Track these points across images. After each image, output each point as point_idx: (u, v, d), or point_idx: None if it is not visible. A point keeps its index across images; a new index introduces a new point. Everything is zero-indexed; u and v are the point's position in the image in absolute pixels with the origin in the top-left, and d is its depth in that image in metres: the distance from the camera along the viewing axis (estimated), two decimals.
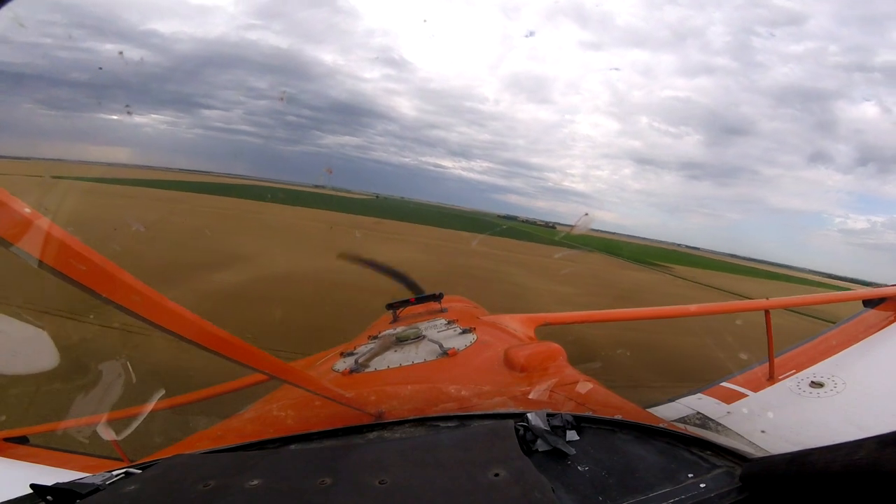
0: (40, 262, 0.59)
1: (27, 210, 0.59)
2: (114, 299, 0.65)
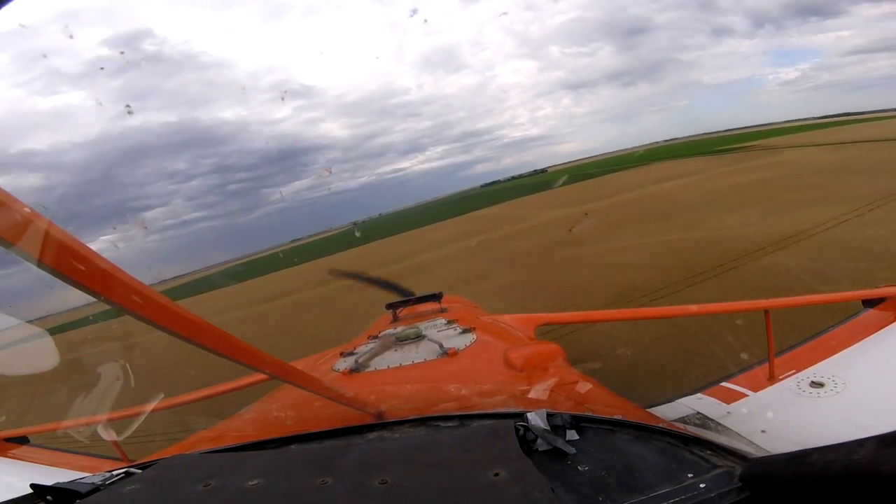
0: (40, 263, 0.59)
1: (27, 210, 0.59)
2: (114, 299, 0.65)
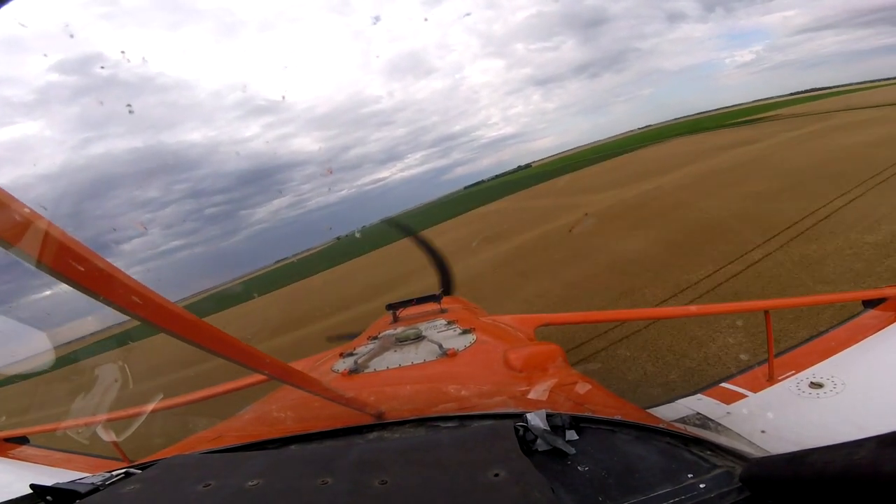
0: (39, 263, 0.59)
1: (27, 210, 0.59)
2: (114, 300, 0.65)
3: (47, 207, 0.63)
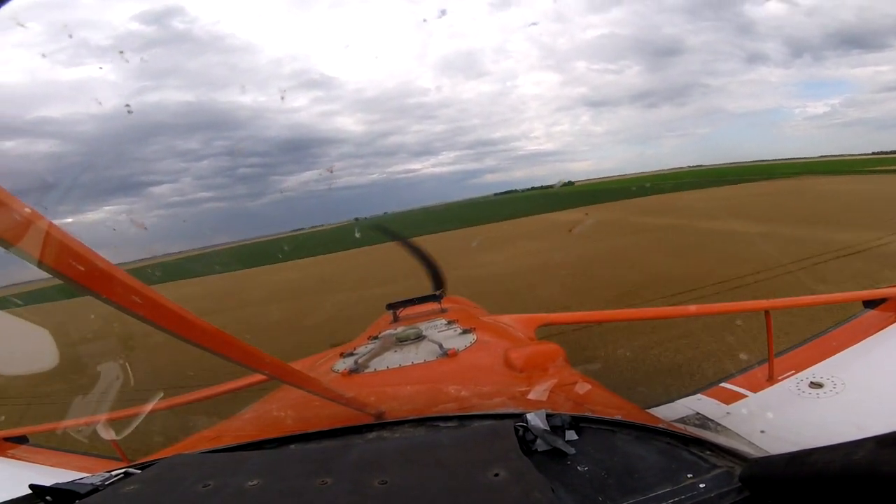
0: (40, 263, 0.59)
1: (27, 210, 0.59)
2: (114, 299, 0.65)
3: (47, 207, 0.63)
